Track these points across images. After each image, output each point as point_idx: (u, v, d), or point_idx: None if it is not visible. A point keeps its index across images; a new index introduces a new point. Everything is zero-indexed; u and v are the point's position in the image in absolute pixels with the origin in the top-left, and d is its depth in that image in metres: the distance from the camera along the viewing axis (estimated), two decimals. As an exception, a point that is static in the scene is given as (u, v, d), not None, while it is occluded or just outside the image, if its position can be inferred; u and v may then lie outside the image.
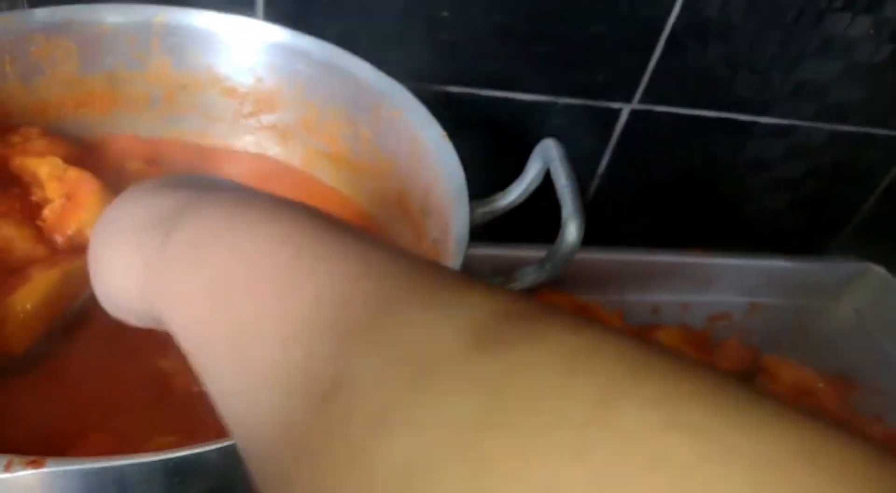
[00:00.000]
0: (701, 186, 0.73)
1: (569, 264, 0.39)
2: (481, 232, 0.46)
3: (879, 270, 0.71)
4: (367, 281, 0.20)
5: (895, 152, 0.73)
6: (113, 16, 0.51)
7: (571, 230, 0.38)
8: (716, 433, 0.13)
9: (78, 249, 0.44)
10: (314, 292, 0.20)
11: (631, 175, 0.71)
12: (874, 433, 0.56)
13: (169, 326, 0.25)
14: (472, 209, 0.43)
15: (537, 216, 0.50)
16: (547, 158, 0.42)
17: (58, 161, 0.46)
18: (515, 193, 0.46)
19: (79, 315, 0.42)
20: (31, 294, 0.41)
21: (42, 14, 0.49)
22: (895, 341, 0.69)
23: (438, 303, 0.18)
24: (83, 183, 0.45)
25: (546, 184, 0.45)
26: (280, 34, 0.52)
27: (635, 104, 0.65)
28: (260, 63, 0.53)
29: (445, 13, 0.57)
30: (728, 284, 0.69)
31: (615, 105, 0.65)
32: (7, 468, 0.26)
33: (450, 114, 0.49)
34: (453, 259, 0.39)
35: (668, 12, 0.59)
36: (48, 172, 0.45)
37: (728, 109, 0.66)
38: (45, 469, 0.27)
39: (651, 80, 0.63)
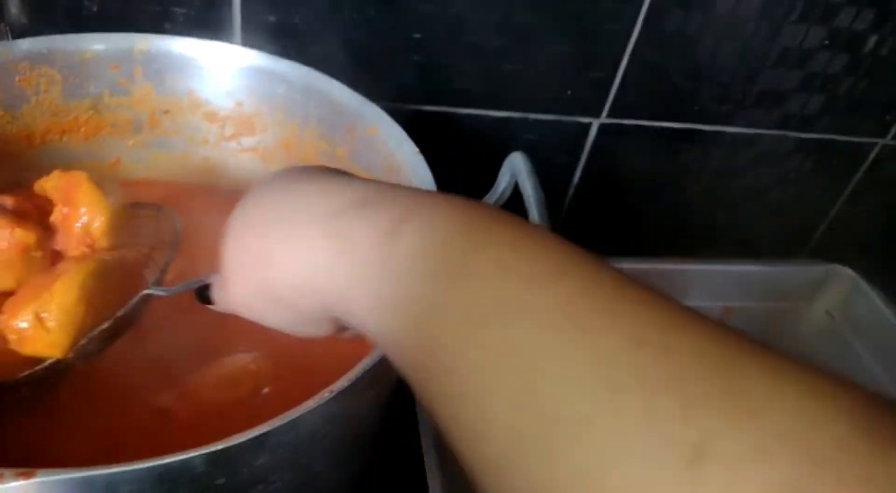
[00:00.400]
0: (672, 196, 0.75)
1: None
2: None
3: (848, 272, 0.73)
4: (682, 334, 0.18)
5: (858, 158, 0.76)
6: (96, 44, 0.52)
7: (538, 239, 0.40)
8: None
9: (93, 245, 0.44)
10: (627, 337, 0.18)
11: (604, 187, 0.73)
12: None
13: (372, 326, 0.25)
14: (445, 222, 0.44)
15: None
16: (515, 171, 0.44)
17: (56, 173, 0.46)
18: (487, 205, 0.48)
19: (120, 327, 0.41)
20: (69, 286, 0.38)
21: (26, 44, 0.51)
22: (865, 341, 0.71)
23: (785, 374, 0.17)
24: (74, 182, 0.45)
25: (518, 198, 0.47)
26: (258, 59, 0.54)
27: (604, 118, 0.67)
28: (239, 87, 0.55)
29: (417, 35, 0.59)
30: (702, 290, 0.71)
31: (584, 120, 0.67)
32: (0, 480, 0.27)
33: (424, 132, 0.50)
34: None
35: (631, 29, 0.61)
36: (52, 186, 0.45)
37: (693, 121, 0.69)
38: (36, 479, 0.28)
39: (617, 94, 0.65)
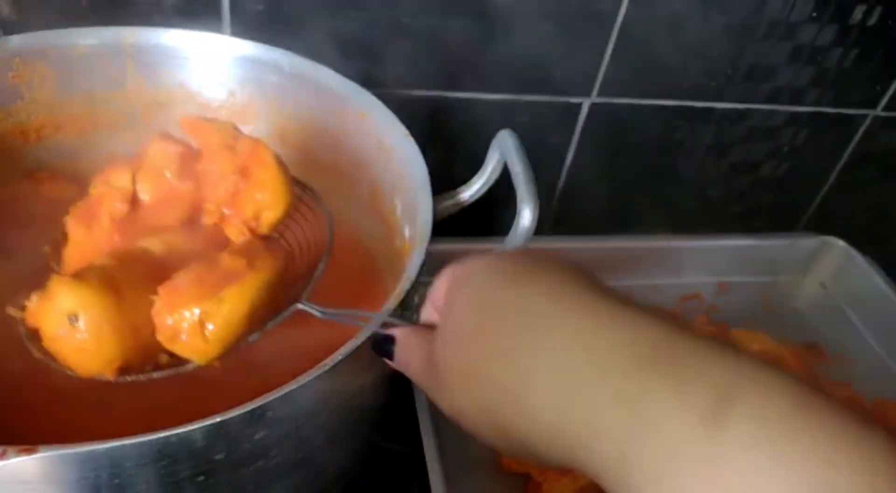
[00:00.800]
0: (666, 173, 0.76)
1: (526, 247, 0.42)
2: (451, 228, 0.49)
3: (841, 243, 0.73)
4: None
5: (849, 131, 0.76)
6: (86, 39, 0.53)
7: (526, 215, 0.40)
8: None
9: (255, 230, 0.39)
10: None
11: (597, 166, 0.73)
12: (840, 397, 0.58)
13: None
14: (437, 202, 0.45)
15: (504, 215, 0.53)
16: (503, 149, 0.45)
17: (229, 127, 0.40)
18: (478, 184, 0.48)
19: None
20: (240, 300, 0.35)
21: (18, 40, 0.51)
22: (860, 311, 0.71)
23: None
24: (257, 154, 0.39)
25: (508, 182, 0.47)
26: (248, 48, 0.54)
27: (594, 98, 0.67)
28: (231, 77, 0.56)
29: (406, 20, 0.60)
30: (697, 265, 0.71)
31: (576, 99, 0.67)
32: (2, 457, 0.28)
33: (417, 117, 0.51)
34: (418, 250, 0.41)
35: (618, 7, 0.61)
36: (219, 140, 0.39)
37: (684, 98, 0.69)
38: (37, 455, 0.28)
39: (607, 73, 0.65)
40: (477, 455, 0.55)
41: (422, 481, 0.49)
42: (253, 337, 0.37)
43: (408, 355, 0.33)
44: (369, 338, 0.34)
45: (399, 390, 0.52)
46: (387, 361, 0.34)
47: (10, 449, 0.28)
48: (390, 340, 0.33)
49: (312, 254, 0.41)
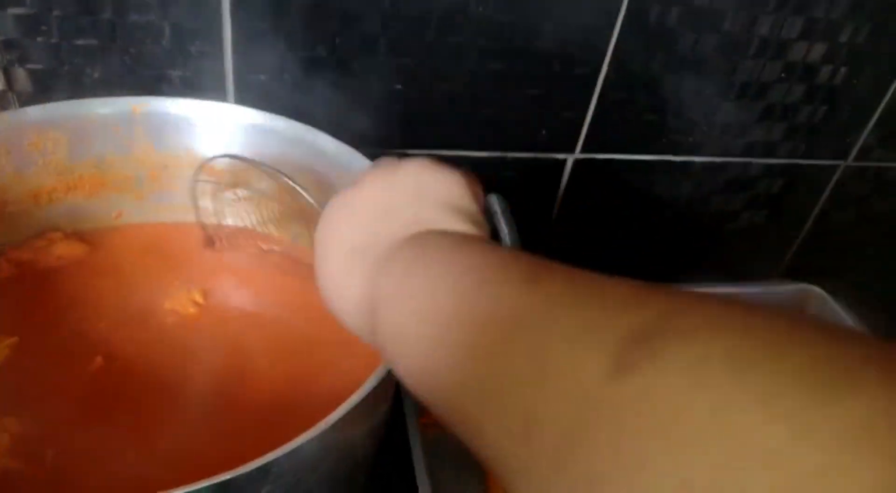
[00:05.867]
0: (648, 225, 0.79)
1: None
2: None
3: (818, 291, 0.76)
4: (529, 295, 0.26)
5: (822, 182, 0.80)
6: (98, 108, 0.56)
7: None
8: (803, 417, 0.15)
9: None
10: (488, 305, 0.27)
11: (582, 220, 0.76)
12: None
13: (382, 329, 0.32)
14: (429, 261, 0.48)
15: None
16: (491, 213, 0.48)
17: None
18: (467, 244, 0.51)
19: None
20: None
21: (34, 112, 0.54)
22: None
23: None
24: None
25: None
26: (250, 115, 0.58)
27: (578, 154, 0.71)
28: (234, 142, 0.59)
29: (398, 86, 0.63)
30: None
31: (560, 156, 0.71)
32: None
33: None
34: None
35: (598, 70, 0.65)
36: None
37: (663, 152, 0.73)
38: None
39: (590, 131, 0.69)
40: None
41: (417, 529, 0.51)
42: None
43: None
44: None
45: (394, 440, 0.54)
46: None
47: None
48: None
49: None
